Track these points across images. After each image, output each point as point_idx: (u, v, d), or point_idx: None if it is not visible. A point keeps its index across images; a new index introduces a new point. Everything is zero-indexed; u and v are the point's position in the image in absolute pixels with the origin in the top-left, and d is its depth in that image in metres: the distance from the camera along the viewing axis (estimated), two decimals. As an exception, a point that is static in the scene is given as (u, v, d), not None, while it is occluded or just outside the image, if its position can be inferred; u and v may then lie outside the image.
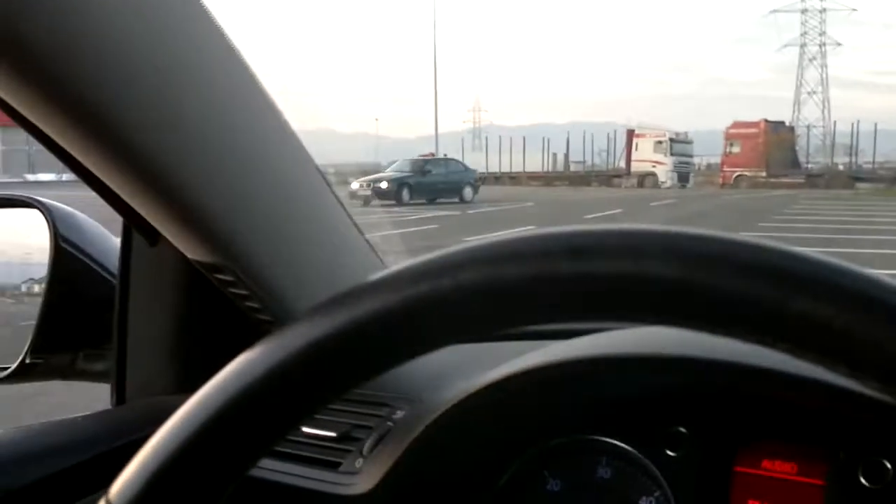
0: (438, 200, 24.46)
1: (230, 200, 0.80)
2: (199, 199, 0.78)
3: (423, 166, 26.62)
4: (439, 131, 48.29)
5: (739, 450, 0.79)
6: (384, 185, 24.11)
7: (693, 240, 0.39)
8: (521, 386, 0.79)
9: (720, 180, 42.35)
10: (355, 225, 1.00)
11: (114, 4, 0.64)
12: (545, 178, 47.08)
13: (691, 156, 44.90)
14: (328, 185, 0.95)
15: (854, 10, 72.25)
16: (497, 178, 46.68)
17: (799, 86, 66.34)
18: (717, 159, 47.57)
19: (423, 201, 24.20)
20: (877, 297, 0.37)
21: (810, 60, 67.57)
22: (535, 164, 51.00)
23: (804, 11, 68.32)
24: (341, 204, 0.98)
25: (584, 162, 54.83)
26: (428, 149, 49.09)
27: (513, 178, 46.85)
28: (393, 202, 23.35)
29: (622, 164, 45.35)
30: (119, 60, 0.66)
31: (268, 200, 0.85)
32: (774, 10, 71.67)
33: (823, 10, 67.98)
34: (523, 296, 0.41)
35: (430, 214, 19.40)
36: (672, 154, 41.08)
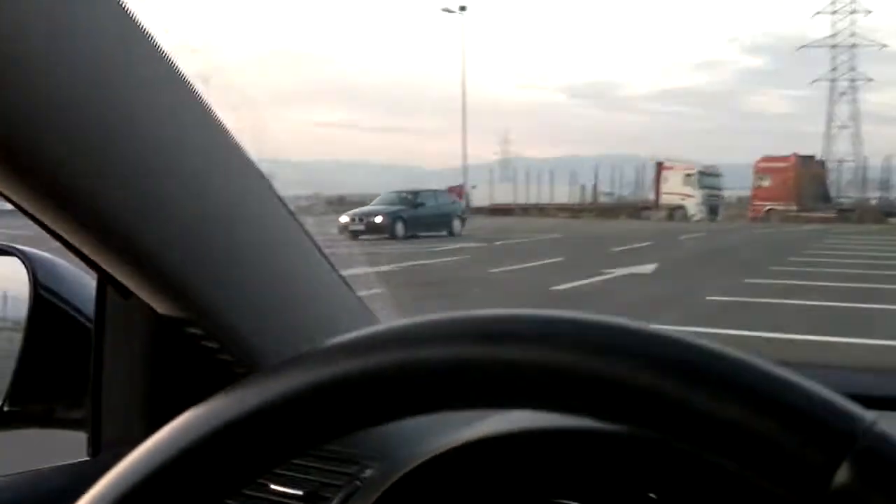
0: (421, 234, 23.19)
1: (195, 257, 0.79)
2: (163, 256, 0.77)
3: (414, 199, 25.24)
4: (468, 163, 48.43)
5: None
6: (379, 218, 22.83)
7: (602, 329, 0.39)
8: (488, 449, 0.77)
9: (750, 214, 42.07)
10: (335, 270, 0.98)
11: (67, 62, 0.63)
12: (573, 210, 46.99)
13: (721, 189, 44.68)
14: (306, 233, 0.93)
15: (885, 46, 71.85)
16: (525, 210, 46.71)
17: (829, 120, 65.97)
18: (747, 193, 47.29)
19: (415, 235, 23.02)
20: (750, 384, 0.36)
21: (841, 95, 67.22)
22: (563, 195, 50.99)
23: (834, 47, 68.04)
24: (321, 251, 0.96)
25: (612, 194, 54.75)
26: (457, 180, 49.29)
27: (541, 210, 46.83)
28: (386, 236, 22.01)
29: (651, 196, 45.22)
30: (72, 118, 0.65)
31: (236, 254, 0.83)
32: (804, 46, 71.43)
33: (853, 46, 67.67)
34: (432, 381, 0.41)
35: (455, 246, 19.38)
36: (701, 187, 40.91)
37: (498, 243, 21.17)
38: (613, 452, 0.77)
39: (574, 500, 0.82)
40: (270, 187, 0.86)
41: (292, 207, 0.91)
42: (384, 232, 22.22)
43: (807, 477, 0.35)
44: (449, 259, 16.09)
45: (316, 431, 0.44)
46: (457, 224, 25.35)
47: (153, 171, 0.73)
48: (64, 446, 1.01)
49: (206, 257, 0.80)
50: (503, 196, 50.12)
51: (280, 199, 0.88)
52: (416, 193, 25.91)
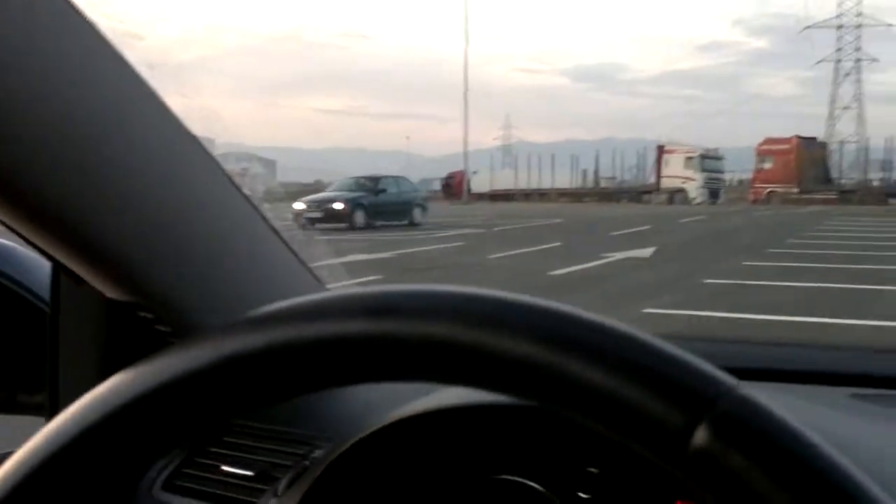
0: (380, 223, 21.49)
1: (141, 242, 0.81)
2: (109, 243, 0.78)
3: (375, 185, 23.39)
4: (469, 149, 48.34)
5: (653, 491, 0.78)
6: (339, 205, 20.96)
7: (479, 302, 0.41)
8: (430, 423, 0.79)
9: (751, 196, 42.06)
10: (288, 246, 1.00)
11: (4, 54, 0.65)
12: (575, 195, 46.96)
13: (722, 172, 44.71)
14: (255, 207, 0.95)
15: (890, 25, 71.43)
16: (526, 196, 46.65)
17: (833, 101, 65.70)
18: (748, 175, 47.25)
19: (373, 224, 21.24)
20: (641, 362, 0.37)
21: (845, 76, 66.94)
22: (564, 180, 50.90)
23: (839, 27, 67.71)
24: (273, 228, 0.98)
25: (614, 178, 54.64)
26: (458, 166, 49.20)
27: (542, 195, 46.80)
28: (345, 225, 20.14)
29: (652, 180, 45.17)
30: (10, 111, 0.66)
31: (184, 237, 0.85)
32: (808, 27, 71.01)
33: (859, 26, 67.34)
34: (321, 357, 0.42)
35: (454, 232, 19.37)
36: (702, 170, 40.95)
37: (497, 229, 21.15)
38: (553, 427, 0.78)
39: (517, 476, 0.83)
40: (217, 164, 0.88)
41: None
42: (343, 220, 20.37)
43: (667, 439, 0.37)
44: (447, 245, 16.08)
45: (223, 404, 0.45)
46: (418, 213, 23.67)
47: (96, 158, 0.74)
48: (25, 432, 1.03)
49: (151, 241, 0.82)
50: (504, 181, 50.04)
51: (229, 177, 0.90)
52: (376, 179, 24.20)
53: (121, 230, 0.79)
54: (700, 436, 0.36)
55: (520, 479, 0.83)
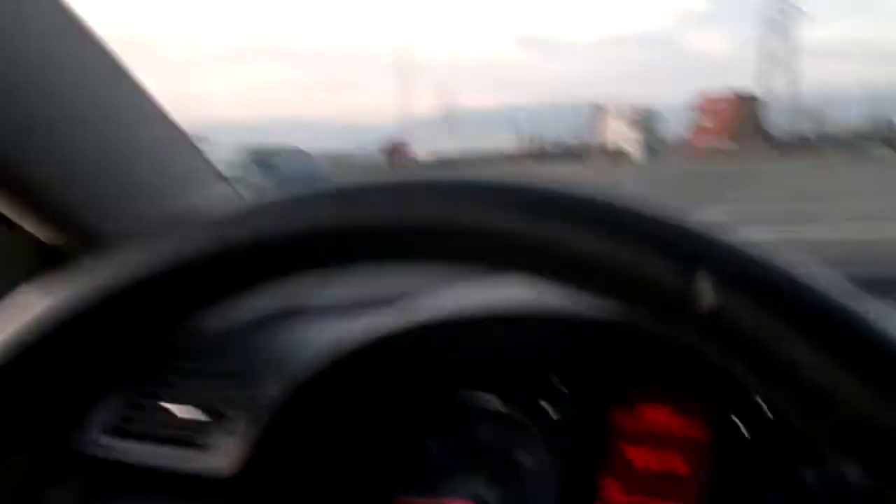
0: None
1: (77, 181, 0.77)
2: (43, 179, 0.74)
3: (266, 159, 20.47)
4: (410, 117, 48.25)
5: (620, 405, 0.76)
6: None
7: (470, 185, 0.38)
8: (382, 349, 0.75)
9: (690, 153, 42.74)
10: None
11: None
12: (517, 159, 47.25)
13: (661, 130, 45.35)
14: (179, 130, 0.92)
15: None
16: (471, 162, 46.84)
17: (766, 58, 66.92)
18: (688, 133, 47.98)
19: None
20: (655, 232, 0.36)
21: (777, 32, 68.16)
22: (507, 144, 51.15)
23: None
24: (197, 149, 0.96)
25: (555, 141, 55.12)
26: (400, 134, 49.11)
27: (485, 161, 47.00)
28: None
29: (593, 141, 45.69)
30: None
31: (121, 174, 0.82)
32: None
33: (789, -20, 68.56)
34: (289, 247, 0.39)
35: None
36: (642, 129, 41.46)
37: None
38: (510, 337, 0.76)
39: (480, 393, 0.80)
40: (138, 87, 0.84)
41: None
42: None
43: (668, 300, 0.35)
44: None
45: (173, 304, 0.41)
46: None
47: (23, 94, 0.71)
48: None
49: (88, 180, 0.78)
50: (447, 148, 50.15)
51: (162, 111, 0.87)
52: (268, 152, 21.29)
53: (54, 163, 0.75)
54: (701, 292, 0.34)
55: (480, 395, 0.80)
